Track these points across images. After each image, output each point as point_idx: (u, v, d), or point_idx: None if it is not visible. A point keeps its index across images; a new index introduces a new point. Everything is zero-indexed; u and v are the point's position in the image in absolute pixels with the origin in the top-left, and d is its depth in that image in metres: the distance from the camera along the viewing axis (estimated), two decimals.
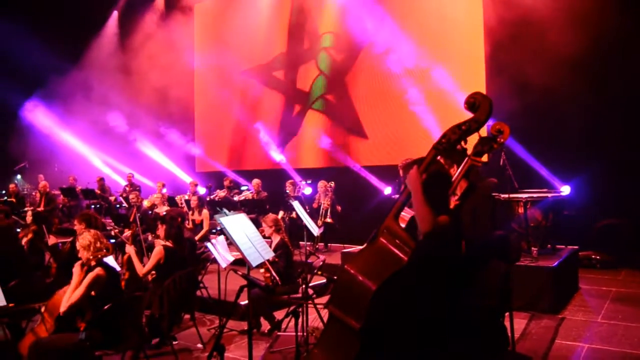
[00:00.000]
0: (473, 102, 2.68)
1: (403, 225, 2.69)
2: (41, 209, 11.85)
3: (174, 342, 5.35)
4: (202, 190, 12.10)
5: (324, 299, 6.54)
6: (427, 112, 10.03)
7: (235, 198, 11.37)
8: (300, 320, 4.38)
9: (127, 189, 13.13)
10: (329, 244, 9.87)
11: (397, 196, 2.85)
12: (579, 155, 8.50)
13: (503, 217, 6.90)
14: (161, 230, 5.72)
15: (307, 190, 10.81)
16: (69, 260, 5.33)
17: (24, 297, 5.26)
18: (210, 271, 7.13)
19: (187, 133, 14.70)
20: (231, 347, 5.34)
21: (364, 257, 2.64)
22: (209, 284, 6.68)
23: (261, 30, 13.07)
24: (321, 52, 12.20)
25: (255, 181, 11.10)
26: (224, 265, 6.11)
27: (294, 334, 4.56)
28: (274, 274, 5.61)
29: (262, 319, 5.79)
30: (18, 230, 7.39)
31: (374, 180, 10.63)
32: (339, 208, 9.83)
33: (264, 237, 5.58)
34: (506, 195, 6.87)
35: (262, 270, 5.66)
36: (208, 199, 11.43)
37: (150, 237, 8.01)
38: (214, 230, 9.36)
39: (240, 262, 5.72)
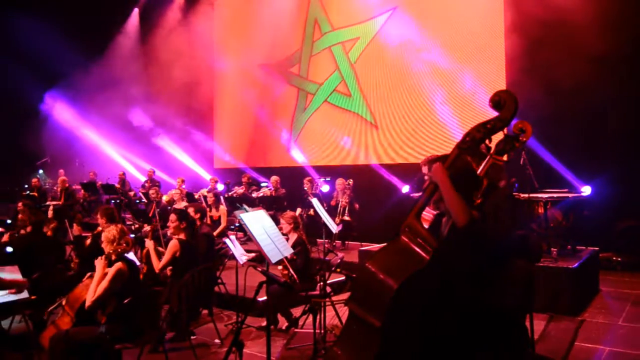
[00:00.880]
0: (498, 100, 2.64)
1: (426, 225, 2.66)
2: (61, 203, 12.02)
3: (192, 337, 5.40)
4: (220, 187, 12.18)
5: (342, 297, 6.55)
6: (447, 110, 9.98)
7: (254, 195, 11.41)
8: (317, 317, 4.39)
9: (147, 184, 13.26)
10: (346, 242, 9.87)
11: (415, 195, 2.84)
12: (601, 155, 8.37)
13: (523, 217, 6.82)
14: (172, 224, 5.76)
15: (325, 188, 10.81)
16: (90, 253, 5.41)
17: (46, 290, 5.35)
18: (228, 267, 7.18)
19: (206, 129, 14.80)
20: (248, 342, 5.36)
21: (384, 255, 2.62)
22: (226, 279, 6.73)
23: (280, 25, 13.06)
24: (338, 46, 12.17)
25: (274, 178, 11.12)
26: (241, 261, 6.15)
27: (311, 331, 4.58)
28: (291, 271, 5.61)
29: (279, 316, 5.81)
30: None
31: (391, 178, 10.59)
32: (356, 206, 9.81)
33: (282, 234, 5.59)
34: (526, 195, 6.80)
35: (279, 267, 5.67)
36: (226, 195, 11.49)
37: (169, 233, 8.07)
38: (232, 227, 9.41)
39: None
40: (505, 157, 2.83)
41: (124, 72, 14.64)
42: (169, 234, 6.17)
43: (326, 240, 7.56)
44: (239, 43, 13.97)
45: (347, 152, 11.84)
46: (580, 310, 6.06)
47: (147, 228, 8.11)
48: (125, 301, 4.17)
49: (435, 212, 2.86)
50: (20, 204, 8.49)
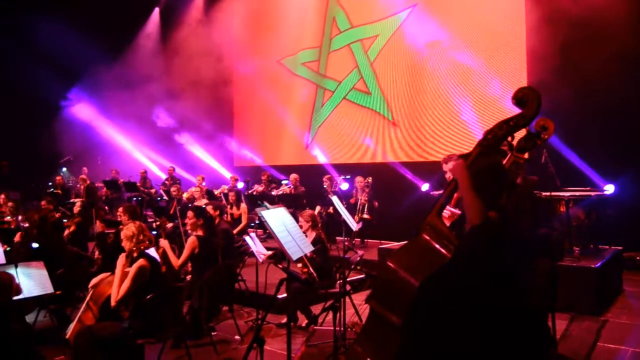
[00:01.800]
0: (522, 97, 2.61)
1: (448, 223, 2.65)
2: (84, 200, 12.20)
3: (212, 333, 5.45)
4: (240, 185, 12.25)
5: (361, 294, 6.55)
6: (467, 109, 9.90)
7: (273, 192, 11.46)
8: (337, 314, 4.39)
9: (167, 182, 13.38)
10: (366, 240, 9.86)
11: (434, 193, 2.82)
12: (625, 153, 8.23)
13: (545, 215, 6.75)
14: (189, 221, 5.81)
15: (344, 186, 10.81)
16: (113, 250, 5.48)
17: (70, 286, 5.45)
18: (248, 264, 7.22)
19: (226, 127, 14.89)
20: (268, 339, 5.38)
21: (405, 253, 2.62)
22: (246, 276, 6.77)
23: (299, 22, 13.10)
24: (357, 43, 12.15)
25: (293, 176, 11.15)
26: (260, 259, 6.19)
27: (330, 328, 4.58)
28: (311, 270, 5.62)
29: (298, 313, 5.83)
30: (64, 220, 7.63)
31: (410, 176, 10.54)
32: (375, 204, 9.79)
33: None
34: (548, 194, 6.72)
35: (299, 265, 5.69)
36: (246, 193, 11.54)
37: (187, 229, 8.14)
38: (252, 224, 9.45)
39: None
40: (526, 155, 2.80)
41: (145, 71, 14.76)
42: (188, 230, 6.22)
43: (346, 238, 7.56)
44: (258, 40, 14.03)
45: (366, 149, 11.81)
46: (603, 310, 5.97)
47: (168, 225, 8.19)
48: (148, 297, 4.22)
49: (455, 210, 2.85)
50: (43, 202, 8.66)
